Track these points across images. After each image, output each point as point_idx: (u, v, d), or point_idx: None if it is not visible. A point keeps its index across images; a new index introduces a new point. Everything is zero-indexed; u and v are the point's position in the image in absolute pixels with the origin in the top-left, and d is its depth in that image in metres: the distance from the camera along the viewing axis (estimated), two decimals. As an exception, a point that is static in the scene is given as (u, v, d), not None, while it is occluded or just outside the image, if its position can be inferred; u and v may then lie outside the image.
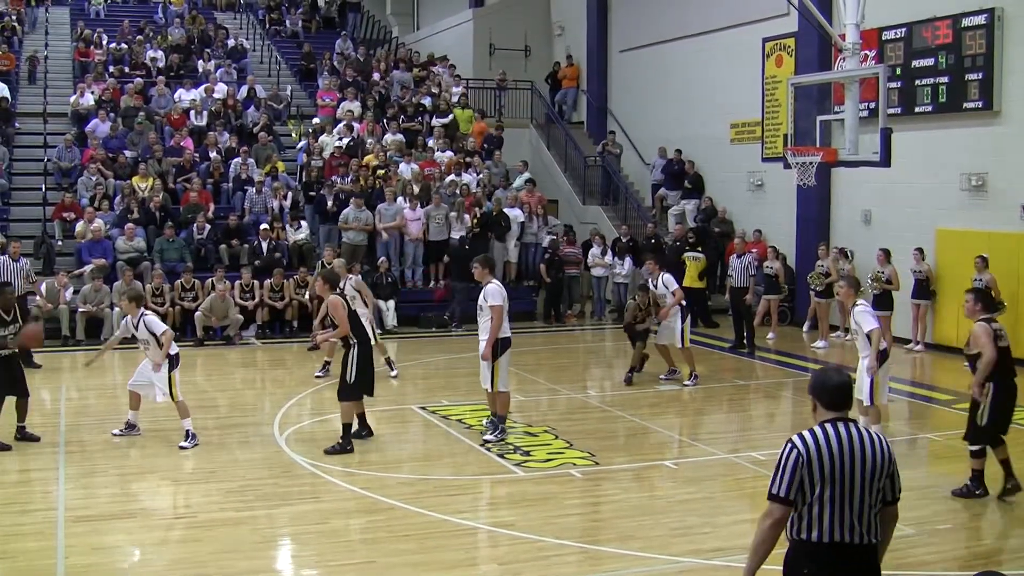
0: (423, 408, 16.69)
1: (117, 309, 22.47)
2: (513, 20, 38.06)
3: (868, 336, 13.63)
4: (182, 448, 13.82)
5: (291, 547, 10.63)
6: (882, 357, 13.93)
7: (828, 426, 6.20)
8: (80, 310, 22.41)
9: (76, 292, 22.70)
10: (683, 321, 18.69)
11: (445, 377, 20.06)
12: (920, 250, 21.81)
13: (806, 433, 6.19)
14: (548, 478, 12.71)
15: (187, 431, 14.07)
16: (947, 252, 22.10)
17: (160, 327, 14.27)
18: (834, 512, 6.08)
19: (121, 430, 14.62)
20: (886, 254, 21.87)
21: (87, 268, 23.13)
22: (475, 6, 40.28)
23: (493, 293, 14.15)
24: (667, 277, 19.03)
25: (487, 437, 14.32)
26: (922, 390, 18.96)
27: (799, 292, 25.39)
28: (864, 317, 13.75)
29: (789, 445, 6.18)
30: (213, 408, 17.07)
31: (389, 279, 25.06)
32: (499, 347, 14.16)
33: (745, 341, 22.47)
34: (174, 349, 14.30)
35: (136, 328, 14.26)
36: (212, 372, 20.41)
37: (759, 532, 6.23)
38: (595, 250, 27.24)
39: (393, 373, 19.26)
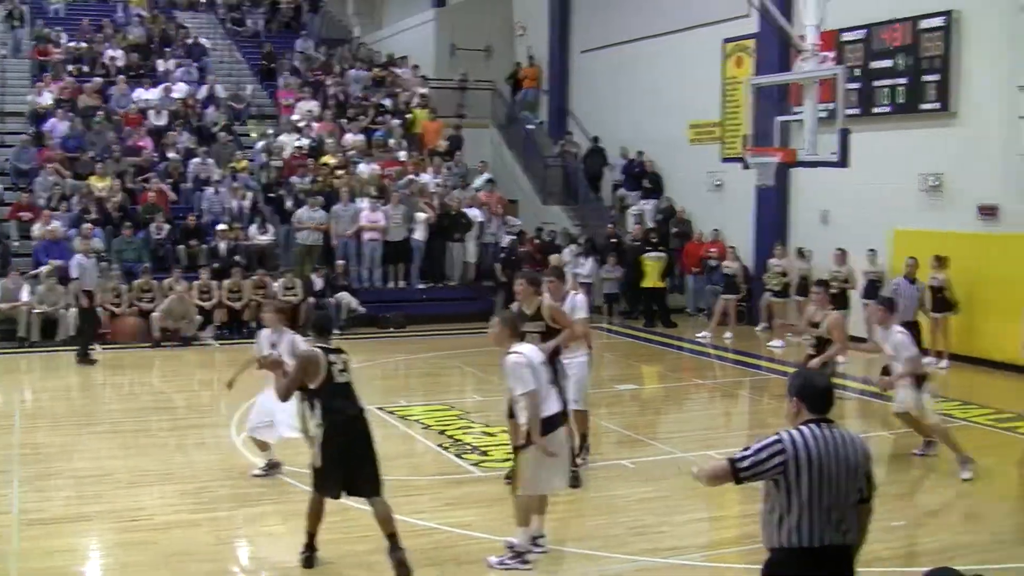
0: (380, 409, 16.61)
1: (73, 310, 22.35)
2: (475, 20, 38.01)
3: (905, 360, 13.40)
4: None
5: (248, 549, 10.61)
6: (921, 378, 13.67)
7: (813, 427, 6.17)
8: (35, 311, 22.25)
9: (32, 293, 22.52)
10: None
11: (403, 378, 20.06)
12: (873, 251, 21.93)
13: (793, 432, 6.15)
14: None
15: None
16: (904, 252, 22.17)
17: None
18: (822, 515, 6.06)
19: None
20: (843, 254, 22.00)
21: (43, 269, 22.95)
22: (437, 6, 40.24)
23: (582, 305, 13.05)
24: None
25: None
26: (875, 388, 19.01)
27: (756, 292, 25.50)
28: (904, 344, 13.47)
29: (775, 437, 6.14)
30: (170, 410, 17.02)
31: (344, 281, 25.11)
32: None
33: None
34: None
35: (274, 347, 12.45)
36: (169, 373, 20.31)
37: (704, 474, 6.41)
38: (567, 251, 27.12)
39: None
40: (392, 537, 9.45)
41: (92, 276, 21.11)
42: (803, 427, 6.18)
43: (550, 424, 9.61)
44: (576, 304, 12.82)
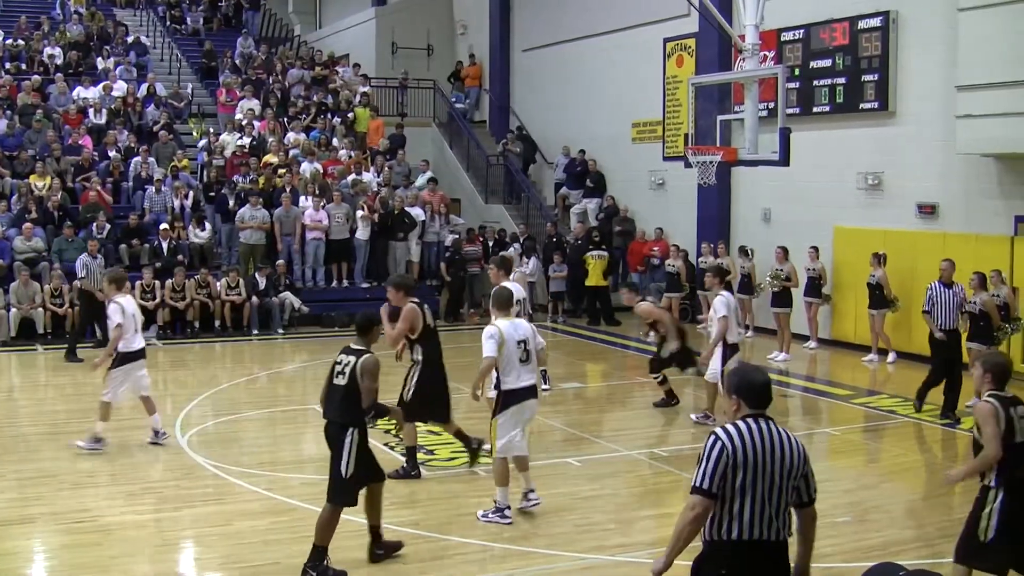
0: (327, 408, 16.58)
1: (13, 311, 22.15)
2: (416, 19, 38.04)
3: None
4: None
5: (194, 550, 10.55)
6: (733, 351, 14.95)
7: (750, 421, 6.23)
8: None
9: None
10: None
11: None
12: (815, 248, 22.12)
13: (730, 427, 6.21)
14: (452, 477, 12.74)
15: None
16: (844, 250, 22.45)
17: (113, 319, 13.88)
18: (754, 509, 6.11)
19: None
20: (785, 252, 22.16)
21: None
22: (377, 4, 40.11)
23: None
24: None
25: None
26: (819, 385, 19.25)
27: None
28: (718, 305, 14.86)
29: (713, 438, 6.18)
30: (114, 410, 16.85)
31: (286, 280, 25.02)
32: None
33: (945, 402, 16.23)
34: (126, 346, 13.87)
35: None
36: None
37: (681, 523, 6.21)
38: (511, 250, 27.08)
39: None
40: (313, 549, 9.42)
41: (97, 276, 21.06)
42: (739, 422, 6.25)
43: (515, 395, 10.90)
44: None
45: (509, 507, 10.95)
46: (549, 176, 32.57)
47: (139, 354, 14.05)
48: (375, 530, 9.88)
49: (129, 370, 13.98)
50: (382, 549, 9.86)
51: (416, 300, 12.65)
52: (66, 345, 21.03)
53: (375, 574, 9.64)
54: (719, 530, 6.17)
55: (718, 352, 15.07)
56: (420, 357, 12.62)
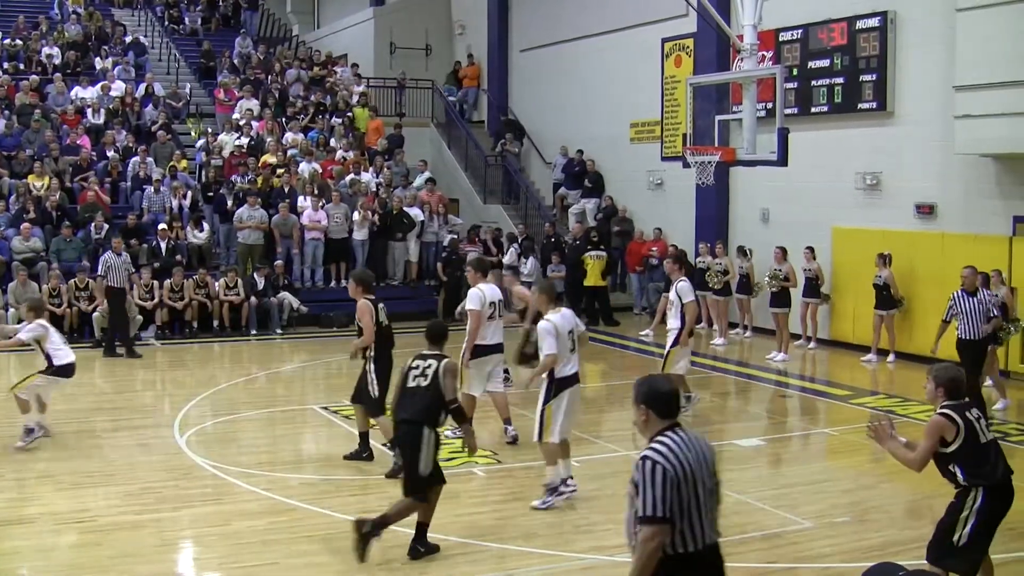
0: (325, 408, 16.61)
1: (11, 310, 22.15)
2: (414, 19, 38.02)
3: (684, 308, 15.29)
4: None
5: (193, 550, 10.55)
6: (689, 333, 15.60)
7: (671, 434, 6.14)
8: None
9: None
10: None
11: (347, 377, 19.92)
12: (811, 249, 22.09)
13: (658, 447, 6.07)
14: (451, 477, 12.67)
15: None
16: (843, 250, 22.44)
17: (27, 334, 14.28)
18: (702, 518, 6.07)
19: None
20: (783, 252, 22.14)
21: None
22: (376, 4, 40.11)
23: (472, 298, 14.22)
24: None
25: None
26: (818, 385, 19.24)
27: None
28: (685, 290, 15.31)
29: (649, 463, 6.01)
30: (112, 410, 16.88)
31: (285, 280, 25.01)
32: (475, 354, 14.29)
33: None
34: (60, 360, 14.18)
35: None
36: (110, 373, 20.13)
37: (643, 555, 5.97)
38: (513, 250, 27.03)
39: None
40: (417, 527, 9.99)
41: (121, 273, 21.41)
42: (662, 438, 6.14)
43: (565, 382, 11.46)
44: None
45: (565, 477, 11.53)
46: (547, 176, 32.54)
47: (70, 370, 14.39)
48: (422, 527, 10.05)
49: (56, 384, 14.35)
50: (424, 547, 9.99)
51: (371, 297, 13.17)
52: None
53: (374, 573, 9.64)
54: (675, 547, 6.05)
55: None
56: (372, 353, 13.04)
